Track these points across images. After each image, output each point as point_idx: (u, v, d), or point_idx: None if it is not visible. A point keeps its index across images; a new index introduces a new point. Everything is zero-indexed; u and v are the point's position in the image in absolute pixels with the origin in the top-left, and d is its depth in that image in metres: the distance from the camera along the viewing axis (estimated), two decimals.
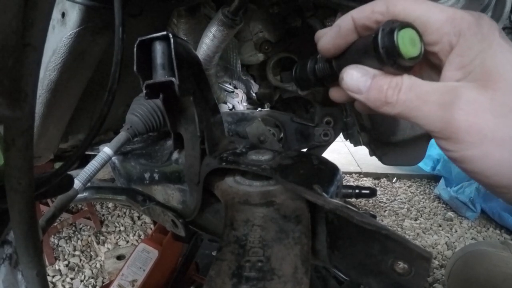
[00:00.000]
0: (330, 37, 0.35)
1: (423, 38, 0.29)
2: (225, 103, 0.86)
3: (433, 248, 2.27)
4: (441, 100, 0.28)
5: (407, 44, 0.28)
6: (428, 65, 0.33)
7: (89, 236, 2.25)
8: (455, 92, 0.28)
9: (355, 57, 0.33)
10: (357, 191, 0.49)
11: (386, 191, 3.22)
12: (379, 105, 0.31)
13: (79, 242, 2.20)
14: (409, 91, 0.29)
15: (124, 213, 2.52)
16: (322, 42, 0.36)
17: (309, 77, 0.40)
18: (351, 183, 3.22)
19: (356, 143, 0.97)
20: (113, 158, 0.60)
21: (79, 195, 0.54)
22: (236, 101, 0.87)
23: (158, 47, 0.43)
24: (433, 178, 3.35)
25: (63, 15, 0.57)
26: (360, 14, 0.32)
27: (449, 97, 0.28)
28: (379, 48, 0.29)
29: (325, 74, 0.38)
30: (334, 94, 0.40)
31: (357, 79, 0.32)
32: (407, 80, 0.30)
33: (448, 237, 2.41)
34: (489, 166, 0.27)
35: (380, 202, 2.97)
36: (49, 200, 1.96)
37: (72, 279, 1.88)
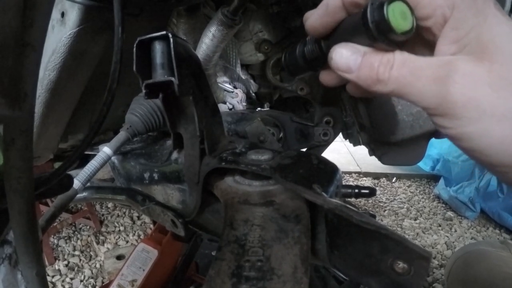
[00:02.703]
0: (317, 16, 0.33)
1: (415, 12, 0.28)
2: (225, 102, 0.86)
3: (432, 248, 2.27)
4: (436, 74, 0.26)
5: (398, 18, 0.27)
6: (421, 41, 0.32)
7: (88, 236, 2.25)
8: (451, 65, 0.26)
9: (345, 36, 0.32)
10: (356, 190, 0.49)
11: (385, 191, 3.22)
12: (371, 84, 0.30)
13: (79, 242, 2.20)
14: (402, 67, 0.28)
15: (124, 213, 2.52)
16: (310, 21, 0.34)
17: (299, 61, 0.39)
18: (351, 183, 3.22)
19: (355, 143, 0.97)
20: (112, 158, 0.60)
21: (79, 195, 0.54)
22: (235, 100, 0.87)
23: (158, 47, 0.43)
24: (433, 178, 3.35)
25: (62, 14, 0.57)
26: None
27: (444, 70, 0.26)
28: (369, 23, 0.27)
29: (314, 57, 0.37)
30: (325, 77, 0.38)
31: (346, 57, 0.30)
32: (399, 56, 0.28)
33: (447, 236, 2.41)
34: (489, 144, 0.26)
35: (379, 201, 2.97)
36: (48, 200, 1.96)
37: (71, 279, 1.88)
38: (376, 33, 0.27)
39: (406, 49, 0.29)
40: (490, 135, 0.25)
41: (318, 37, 0.35)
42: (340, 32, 0.33)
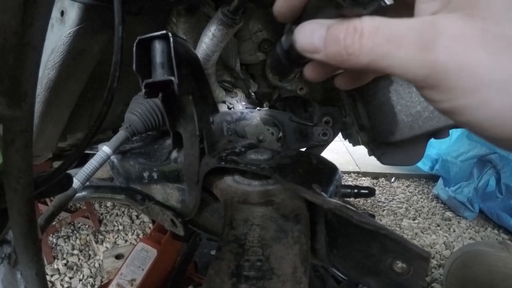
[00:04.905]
0: (282, 0, 0.29)
1: None
2: (224, 102, 0.86)
3: (431, 248, 2.27)
4: (420, 40, 0.22)
5: None
6: (399, 3, 0.27)
7: (87, 235, 2.25)
8: (436, 26, 0.22)
9: (312, 13, 0.27)
10: (355, 190, 0.49)
11: (384, 191, 3.22)
12: (342, 60, 0.25)
13: (78, 241, 2.20)
14: (376, 34, 0.23)
15: (123, 212, 2.52)
16: (276, 6, 0.30)
17: (282, 60, 0.34)
18: (350, 183, 3.23)
19: (355, 143, 0.97)
20: (112, 157, 0.60)
21: (78, 194, 0.54)
22: (235, 100, 0.87)
23: (158, 46, 0.43)
24: (432, 178, 3.36)
25: (62, 13, 0.57)
26: None
27: (429, 33, 0.22)
28: None
29: (293, 49, 0.31)
30: (309, 72, 0.34)
31: (310, 35, 0.26)
32: (369, 21, 0.23)
33: (446, 236, 2.42)
34: (488, 117, 0.22)
35: (378, 201, 2.97)
36: (47, 199, 1.96)
37: (70, 278, 1.87)
38: None
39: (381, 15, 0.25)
40: (489, 107, 0.21)
41: (288, 22, 0.31)
42: (308, 11, 0.28)
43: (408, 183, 3.42)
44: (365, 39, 0.23)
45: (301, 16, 0.29)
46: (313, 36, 0.26)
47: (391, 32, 0.23)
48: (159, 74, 0.43)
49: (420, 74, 0.23)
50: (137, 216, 2.47)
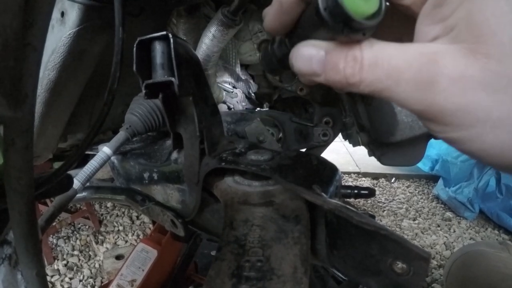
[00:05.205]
0: (273, 15, 0.28)
1: None
2: (224, 102, 0.86)
3: (431, 248, 2.27)
4: (418, 78, 0.22)
5: None
6: (401, 20, 0.26)
7: (87, 235, 2.25)
8: (435, 64, 0.21)
9: (306, 32, 0.26)
10: (356, 191, 0.49)
11: (384, 191, 3.22)
12: (343, 87, 0.25)
13: (78, 241, 2.20)
14: (375, 67, 0.23)
15: (123, 212, 2.52)
16: (266, 22, 0.29)
17: (273, 61, 0.34)
18: (350, 183, 3.23)
19: (355, 143, 0.97)
20: (112, 157, 0.60)
21: (78, 195, 0.54)
22: (235, 101, 0.87)
23: (158, 47, 0.43)
24: (432, 178, 3.36)
25: (62, 14, 0.57)
26: None
27: (428, 73, 0.22)
28: (321, 11, 0.22)
29: (284, 55, 0.31)
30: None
31: (308, 59, 0.25)
32: (368, 52, 0.23)
33: (446, 237, 2.42)
34: (482, 149, 0.23)
35: (378, 202, 2.97)
36: (48, 200, 1.96)
37: (71, 278, 1.87)
38: (332, 23, 0.22)
39: (382, 32, 0.24)
40: (483, 141, 0.22)
41: (280, 35, 0.31)
42: (300, 28, 0.28)
43: (408, 183, 3.42)
44: (365, 72, 0.23)
45: (293, 31, 0.29)
46: (311, 61, 0.25)
47: (390, 67, 0.23)
48: (159, 75, 0.43)
49: (417, 109, 0.23)
50: (137, 217, 2.47)
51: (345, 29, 0.22)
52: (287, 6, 0.27)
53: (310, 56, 0.25)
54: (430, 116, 0.23)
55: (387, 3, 0.22)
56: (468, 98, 0.21)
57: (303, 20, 0.27)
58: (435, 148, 3.10)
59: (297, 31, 0.28)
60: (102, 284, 1.76)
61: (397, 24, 0.28)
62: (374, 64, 0.23)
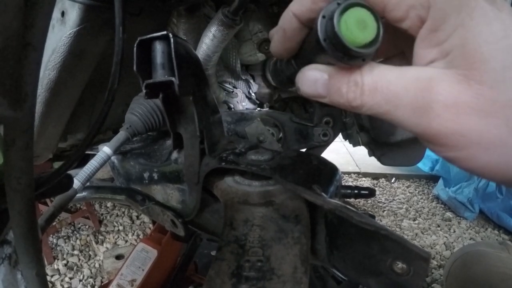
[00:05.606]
0: (278, 42, 0.30)
1: (386, 15, 0.24)
2: (225, 102, 0.86)
3: (431, 248, 2.27)
4: (415, 104, 0.24)
5: (353, 28, 0.22)
6: (403, 37, 0.28)
7: (87, 235, 2.25)
8: (431, 91, 0.23)
9: (310, 56, 0.28)
10: (356, 191, 0.49)
11: (384, 191, 3.22)
12: (347, 108, 0.27)
13: (78, 241, 2.20)
14: (375, 92, 0.25)
15: (123, 212, 2.52)
16: (272, 47, 0.31)
17: (281, 76, 0.36)
18: (350, 183, 3.23)
19: (355, 144, 0.97)
20: (112, 157, 0.60)
21: (78, 195, 0.54)
22: (235, 101, 0.87)
23: (158, 47, 0.43)
24: (432, 179, 3.35)
25: (62, 14, 0.57)
26: (301, 8, 0.27)
27: (424, 99, 0.23)
28: (321, 41, 0.23)
29: (291, 74, 0.33)
30: None
31: (313, 83, 0.27)
32: (368, 77, 0.25)
33: (446, 237, 2.42)
34: (479, 167, 0.24)
35: (378, 202, 2.97)
36: (48, 200, 1.96)
37: (71, 278, 1.87)
38: (332, 52, 0.23)
39: (387, 46, 0.26)
40: (477, 161, 0.24)
41: (286, 58, 0.33)
42: (305, 51, 0.29)
43: (408, 183, 3.42)
44: (366, 97, 0.25)
45: (299, 53, 0.30)
46: (316, 84, 0.27)
47: (389, 92, 0.24)
48: (160, 75, 0.43)
49: (415, 131, 0.25)
50: (137, 217, 2.47)
51: (344, 58, 0.24)
52: (290, 33, 0.29)
53: (315, 79, 0.27)
54: (427, 138, 0.25)
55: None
56: (461, 122, 0.23)
57: (306, 44, 0.29)
58: None
59: (302, 53, 0.30)
60: (102, 284, 1.76)
61: (400, 41, 0.30)
62: (374, 89, 0.25)
